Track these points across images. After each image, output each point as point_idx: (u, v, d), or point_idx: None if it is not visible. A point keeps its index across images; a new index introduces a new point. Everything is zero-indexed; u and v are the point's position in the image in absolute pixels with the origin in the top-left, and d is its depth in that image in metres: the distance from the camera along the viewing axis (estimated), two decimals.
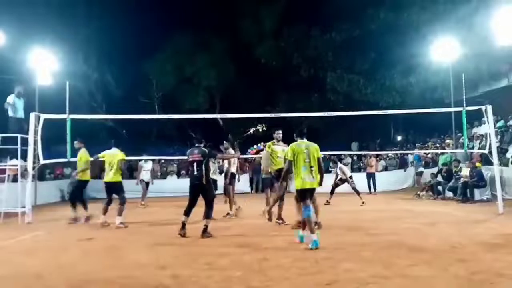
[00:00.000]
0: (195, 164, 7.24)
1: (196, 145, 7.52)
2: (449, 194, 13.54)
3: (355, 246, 6.06)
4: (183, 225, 7.23)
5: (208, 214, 7.27)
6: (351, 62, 23.71)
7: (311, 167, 6.26)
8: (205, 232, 7.09)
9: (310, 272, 4.65)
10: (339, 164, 13.91)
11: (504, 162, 13.06)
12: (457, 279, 4.27)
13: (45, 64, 15.56)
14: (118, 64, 24.81)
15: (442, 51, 16.77)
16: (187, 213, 7.32)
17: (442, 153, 15.76)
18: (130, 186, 18.82)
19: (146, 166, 14.11)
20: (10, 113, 10.88)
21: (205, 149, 7.44)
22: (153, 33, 25.10)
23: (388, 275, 4.46)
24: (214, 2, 24.88)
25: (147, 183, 14.09)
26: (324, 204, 12.77)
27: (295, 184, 6.38)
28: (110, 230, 8.37)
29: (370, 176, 17.50)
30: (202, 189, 7.30)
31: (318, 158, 6.41)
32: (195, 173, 7.24)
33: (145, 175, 14.04)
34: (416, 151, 17.79)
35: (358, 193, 13.01)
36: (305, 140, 6.48)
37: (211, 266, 5.02)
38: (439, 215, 9.74)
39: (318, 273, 4.62)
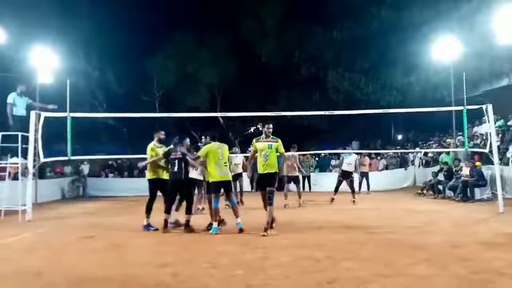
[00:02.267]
0: (176, 161, 7.71)
1: (175, 143, 7.96)
2: (450, 193, 13.53)
3: (356, 245, 6.06)
4: (166, 223, 7.70)
5: (189, 210, 7.73)
6: (352, 61, 23.69)
7: (224, 163, 7.53)
8: (188, 227, 7.56)
9: (310, 271, 4.65)
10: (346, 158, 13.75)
11: (504, 161, 13.05)
12: (458, 278, 4.26)
13: (46, 62, 15.56)
14: (119, 62, 24.79)
15: (443, 50, 16.73)
16: (169, 210, 7.76)
17: (448, 152, 15.68)
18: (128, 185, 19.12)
19: (236, 160, 12.35)
20: (10, 112, 10.88)
21: (183, 148, 7.96)
22: (155, 31, 25.11)
23: (389, 273, 4.46)
24: (216, 0, 24.85)
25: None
26: (330, 202, 12.65)
27: (208, 178, 7.59)
28: (109, 229, 8.36)
29: (364, 176, 17.35)
30: (182, 185, 7.84)
31: (229, 156, 7.88)
32: (176, 169, 7.69)
33: (236, 169, 12.13)
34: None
35: (353, 191, 12.90)
36: (217, 142, 7.70)
37: (212, 265, 5.01)
38: (439, 214, 9.74)
39: (319, 271, 4.61)
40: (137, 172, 20.91)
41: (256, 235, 7.04)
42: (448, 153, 15.69)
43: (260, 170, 7.37)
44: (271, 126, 7.48)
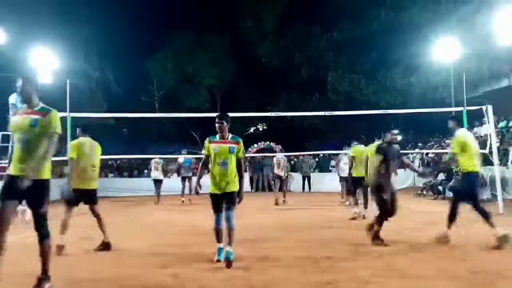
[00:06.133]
0: None
1: None
2: (450, 194, 13.53)
3: (356, 246, 6.05)
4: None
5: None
6: (352, 62, 23.72)
7: None
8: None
9: (310, 271, 4.65)
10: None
11: (504, 163, 13.05)
12: (457, 279, 4.26)
13: (46, 62, 15.55)
14: (119, 62, 24.86)
15: (443, 51, 16.75)
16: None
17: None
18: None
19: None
20: (12, 113, 10.86)
21: None
22: (154, 31, 25.17)
23: (388, 274, 4.45)
24: (215, 1, 24.90)
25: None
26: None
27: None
28: (109, 229, 8.30)
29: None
30: None
31: None
32: None
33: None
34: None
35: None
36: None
37: (212, 265, 5.01)
38: (439, 215, 9.66)
39: (319, 272, 4.61)
40: (136, 172, 20.89)
41: (256, 235, 7.03)
42: None
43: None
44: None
